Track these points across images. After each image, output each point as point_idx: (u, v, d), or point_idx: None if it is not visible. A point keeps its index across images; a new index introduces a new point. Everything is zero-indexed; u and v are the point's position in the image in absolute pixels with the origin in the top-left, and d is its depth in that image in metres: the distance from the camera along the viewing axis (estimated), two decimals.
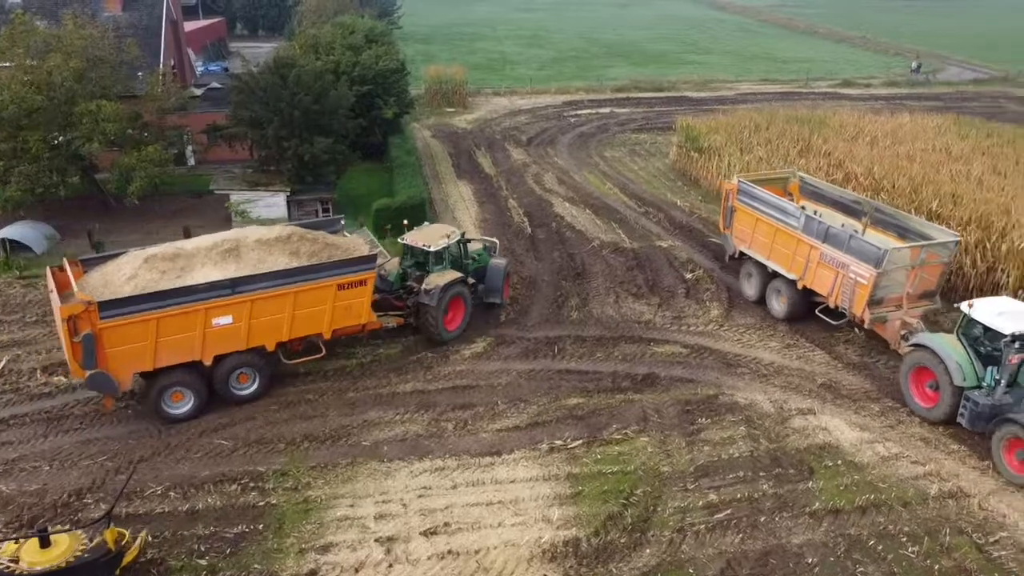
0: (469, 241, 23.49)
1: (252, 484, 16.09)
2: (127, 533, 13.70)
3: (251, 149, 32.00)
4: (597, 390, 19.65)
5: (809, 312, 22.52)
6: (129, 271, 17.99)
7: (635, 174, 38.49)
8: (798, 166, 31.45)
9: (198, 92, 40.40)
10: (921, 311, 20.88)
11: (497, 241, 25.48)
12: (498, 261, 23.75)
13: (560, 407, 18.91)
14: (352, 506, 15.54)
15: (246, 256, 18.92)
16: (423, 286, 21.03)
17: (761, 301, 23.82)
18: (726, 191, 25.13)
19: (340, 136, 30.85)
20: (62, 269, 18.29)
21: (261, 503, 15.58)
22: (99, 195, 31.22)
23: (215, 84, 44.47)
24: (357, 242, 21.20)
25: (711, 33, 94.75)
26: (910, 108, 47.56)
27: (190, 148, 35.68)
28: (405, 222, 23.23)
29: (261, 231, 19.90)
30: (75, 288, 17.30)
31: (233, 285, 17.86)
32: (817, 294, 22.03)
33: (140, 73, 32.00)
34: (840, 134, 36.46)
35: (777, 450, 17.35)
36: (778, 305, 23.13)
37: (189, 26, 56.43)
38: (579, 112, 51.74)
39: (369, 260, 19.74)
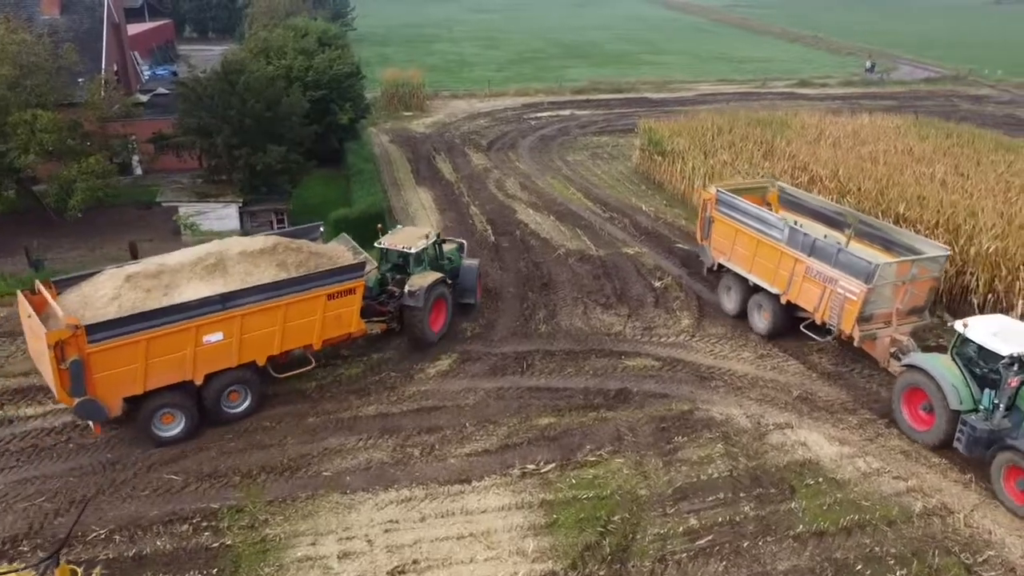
0: (444, 242, 23.17)
1: (205, 523, 15.01)
2: (79, 570, 12.60)
3: (200, 158, 30.63)
4: (569, 408, 18.89)
5: (793, 328, 21.61)
6: (111, 291, 16.97)
7: (598, 178, 37.89)
8: (763, 169, 31.12)
9: (144, 98, 38.83)
10: (910, 327, 20.08)
11: (465, 242, 24.80)
12: (470, 261, 23.51)
13: (531, 427, 18.11)
14: (313, 544, 14.56)
15: (232, 270, 18.18)
16: (407, 288, 20.61)
17: (740, 315, 22.98)
18: (703, 201, 24.23)
19: (294, 144, 29.67)
20: (34, 292, 17.04)
21: (215, 544, 14.52)
22: (39, 209, 29.59)
23: (162, 90, 42.85)
24: (340, 250, 20.57)
25: (667, 33, 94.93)
26: (868, 108, 47.81)
27: (136, 157, 34.14)
28: (380, 226, 22.71)
29: (244, 242, 19.20)
30: (58, 312, 16.13)
31: (224, 300, 17.10)
32: (801, 309, 21.10)
33: (81, 80, 30.46)
34: (802, 136, 36.23)
35: (756, 468, 16.75)
36: (760, 320, 22.30)
37: (134, 28, 54.47)
38: (539, 115, 51.09)
39: (358, 268, 19.31)
